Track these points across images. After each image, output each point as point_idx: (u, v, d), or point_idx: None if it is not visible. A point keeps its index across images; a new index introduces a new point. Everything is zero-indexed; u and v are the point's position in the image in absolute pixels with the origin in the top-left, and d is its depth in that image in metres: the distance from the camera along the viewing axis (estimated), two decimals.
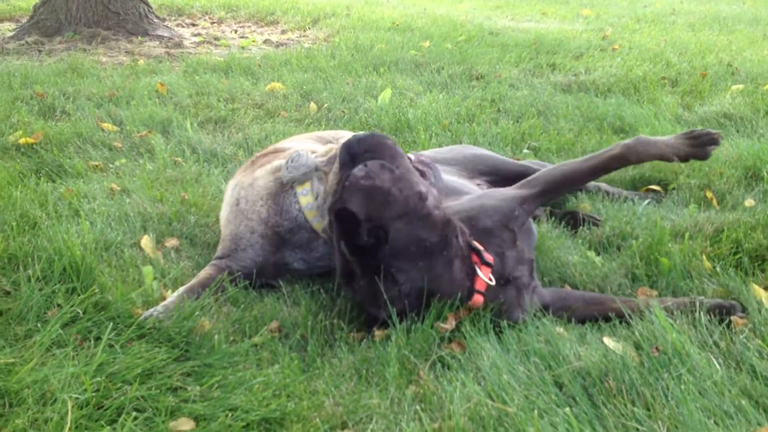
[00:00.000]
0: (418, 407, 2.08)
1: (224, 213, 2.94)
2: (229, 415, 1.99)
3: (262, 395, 2.07)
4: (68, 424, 1.90)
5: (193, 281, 2.69)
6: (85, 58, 6.37)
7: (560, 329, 2.46)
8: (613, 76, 5.94)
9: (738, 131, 4.65)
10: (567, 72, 6.24)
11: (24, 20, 8.24)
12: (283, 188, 2.77)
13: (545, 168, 3.03)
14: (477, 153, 3.58)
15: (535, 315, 2.52)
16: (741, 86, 5.59)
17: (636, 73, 6.02)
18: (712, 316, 2.47)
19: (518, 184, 2.86)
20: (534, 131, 4.46)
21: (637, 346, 2.34)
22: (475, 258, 2.49)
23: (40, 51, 6.87)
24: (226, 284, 2.68)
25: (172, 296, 2.58)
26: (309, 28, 8.68)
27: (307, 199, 2.73)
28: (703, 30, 8.58)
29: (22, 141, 3.99)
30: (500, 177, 3.44)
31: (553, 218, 3.38)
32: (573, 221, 3.36)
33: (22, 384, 2.06)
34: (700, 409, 2.02)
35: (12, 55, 6.63)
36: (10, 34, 7.77)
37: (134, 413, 1.99)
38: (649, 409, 2.05)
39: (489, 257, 2.50)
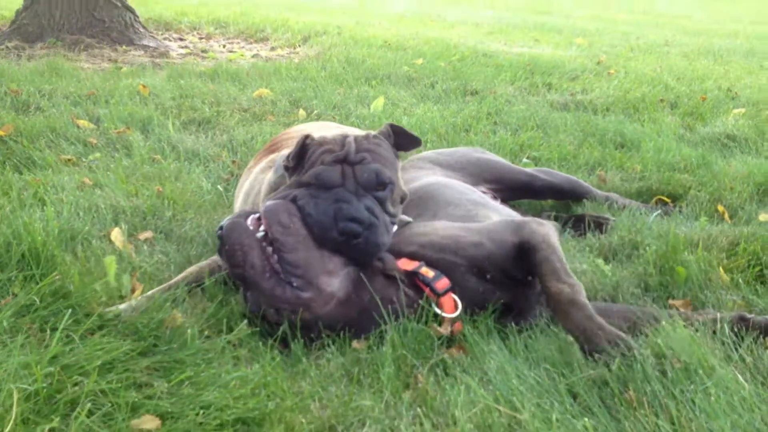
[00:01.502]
0: (418, 410, 1.82)
1: (237, 202, 2.78)
2: (201, 413, 1.72)
3: (239, 392, 1.80)
4: (13, 417, 1.62)
5: (177, 277, 2.45)
6: (65, 62, 6.12)
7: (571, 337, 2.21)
8: (610, 97, 5.78)
9: (742, 152, 4.49)
10: (563, 92, 6.07)
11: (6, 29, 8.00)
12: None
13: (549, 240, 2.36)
14: (483, 158, 3.33)
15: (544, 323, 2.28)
16: (743, 110, 5.45)
17: (634, 95, 5.87)
18: (737, 330, 2.25)
19: (521, 222, 2.42)
20: (533, 142, 4.26)
21: (658, 357, 2.11)
22: (428, 291, 2.25)
23: (19, 56, 6.63)
24: (207, 281, 2.42)
25: (146, 294, 2.32)
26: (299, 45, 8.50)
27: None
28: (699, 59, 8.49)
29: None
30: (505, 186, 3.21)
31: (557, 221, 3.16)
32: (580, 226, 3.15)
33: None
34: (731, 425, 1.78)
35: None
36: None
37: (91, 408, 1.72)
38: (674, 423, 1.82)
39: (441, 284, 2.25)
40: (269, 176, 2.59)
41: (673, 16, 15.16)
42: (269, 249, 2.15)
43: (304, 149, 2.36)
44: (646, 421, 1.82)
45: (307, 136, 2.38)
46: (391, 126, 2.50)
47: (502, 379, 1.96)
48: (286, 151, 2.57)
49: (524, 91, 6.01)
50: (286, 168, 2.40)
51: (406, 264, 2.30)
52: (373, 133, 2.47)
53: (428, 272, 2.26)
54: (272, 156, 2.80)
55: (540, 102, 5.57)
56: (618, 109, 5.43)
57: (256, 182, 2.72)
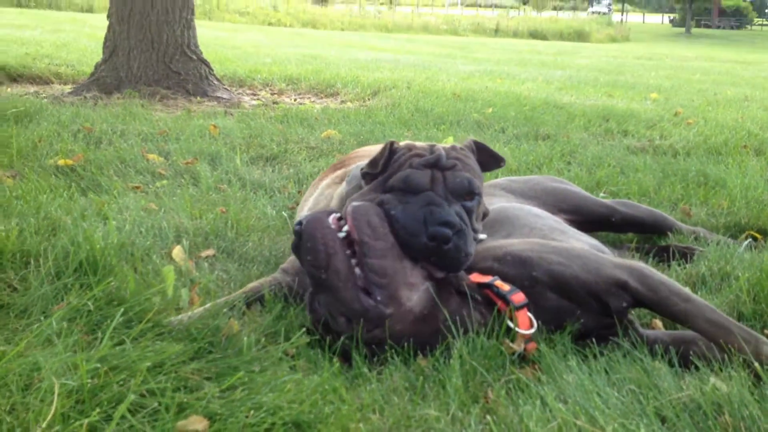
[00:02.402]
0: (489, 419, 1.64)
1: (300, 215, 2.63)
2: (252, 414, 1.58)
3: (294, 396, 1.66)
4: (52, 412, 1.52)
5: (237, 292, 2.35)
6: (141, 109, 6.24)
7: (657, 362, 2.01)
8: (691, 142, 5.55)
9: None
10: (640, 137, 5.86)
11: None
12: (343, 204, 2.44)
13: (669, 284, 2.13)
14: (559, 188, 3.13)
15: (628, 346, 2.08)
16: None
17: (716, 141, 5.62)
18: None
19: (628, 263, 2.21)
20: (610, 179, 4.07)
21: (756, 380, 1.89)
22: (501, 304, 2.08)
23: (96, 104, 6.80)
24: (267, 294, 2.31)
25: (204, 306, 2.22)
26: (369, 99, 8.52)
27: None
28: None
29: (61, 162, 3.76)
30: (583, 218, 3.01)
31: (639, 254, 2.96)
32: (663, 256, 2.93)
33: (7, 370, 1.70)
34: None
35: (70, 105, 6.55)
36: (69, 90, 7.77)
37: (136, 407, 1.61)
38: None
39: (517, 298, 2.07)
40: (341, 188, 2.46)
41: (751, 77, 14.77)
42: (349, 252, 1.99)
43: (391, 153, 2.24)
44: None
45: (393, 142, 2.27)
46: (475, 142, 2.37)
47: (582, 396, 1.77)
48: (361, 163, 2.46)
49: (599, 136, 5.82)
50: (366, 175, 2.26)
51: (478, 278, 2.14)
52: (459, 145, 2.34)
53: (503, 285, 2.10)
54: (339, 172, 2.70)
55: (616, 146, 5.38)
56: (699, 152, 5.19)
57: (322, 197, 2.61)
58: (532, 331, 2.04)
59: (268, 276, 2.47)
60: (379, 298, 1.93)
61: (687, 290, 2.13)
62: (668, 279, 2.14)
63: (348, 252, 1.98)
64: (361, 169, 2.29)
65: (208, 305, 2.22)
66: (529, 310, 2.08)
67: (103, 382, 1.67)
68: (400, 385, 1.83)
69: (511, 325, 2.01)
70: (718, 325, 2.02)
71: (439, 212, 2.03)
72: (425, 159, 2.17)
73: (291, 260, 2.49)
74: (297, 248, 2.02)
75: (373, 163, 2.24)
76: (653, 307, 2.12)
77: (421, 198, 2.08)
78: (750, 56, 26.04)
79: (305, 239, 1.97)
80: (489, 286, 2.09)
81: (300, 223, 2.00)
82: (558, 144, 5.21)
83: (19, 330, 2.03)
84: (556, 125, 6.10)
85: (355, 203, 2.05)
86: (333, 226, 2.00)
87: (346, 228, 2.00)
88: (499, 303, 2.06)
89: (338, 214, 2.06)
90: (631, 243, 3.13)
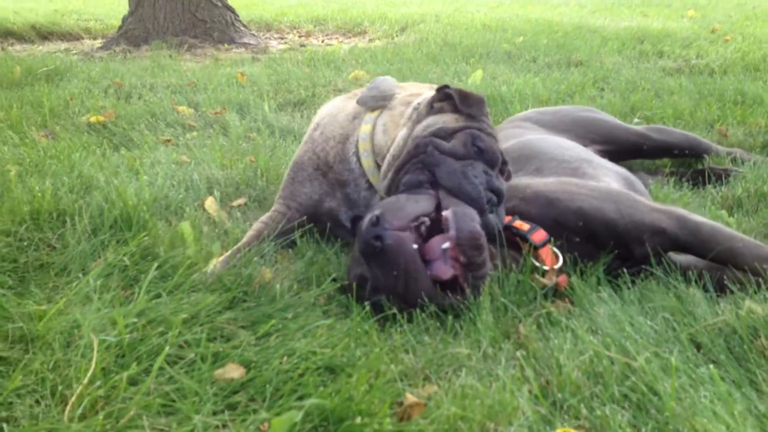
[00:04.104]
0: (519, 355, 1.65)
1: (309, 129, 2.62)
2: (285, 360, 1.62)
3: (326, 340, 1.69)
4: (93, 367, 1.57)
5: (249, 234, 2.37)
6: (169, 61, 6.25)
7: (693, 288, 1.98)
8: (728, 60, 5.38)
9: None
10: (676, 58, 5.70)
11: None
12: (353, 124, 2.42)
13: (707, 223, 2.08)
14: (590, 117, 3.07)
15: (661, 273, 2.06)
16: None
17: (754, 57, 5.44)
18: None
19: (665, 208, 2.15)
20: (645, 103, 3.98)
21: None
22: (524, 245, 2.06)
23: (126, 58, 6.83)
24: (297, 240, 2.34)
25: (227, 253, 2.25)
26: (397, 35, 8.40)
27: (367, 128, 2.35)
28: None
29: (93, 120, 3.80)
30: (616, 147, 2.94)
31: (673, 177, 2.91)
32: (698, 179, 2.88)
33: (48, 328, 1.76)
34: None
35: (99, 61, 6.59)
36: (99, 44, 7.81)
37: (174, 358, 1.66)
38: None
39: (538, 237, 2.05)
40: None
41: None
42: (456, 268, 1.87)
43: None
44: None
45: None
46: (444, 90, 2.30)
47: (614, 327, 1.77)
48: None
49: (633, 59, 5.68)
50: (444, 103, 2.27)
51: None
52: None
53: (522, 225, 2.08)
54: (346, 102, 2.64)
55: (651, 68, 5.24)
56: (737, 70, 5.03)
57: (335, 108, 2.58)
58: (559, 264, 2.03)
59: (269, 212, 2.49)
60: (468, 292, 1.89)
61: (729, 229, 2.07)
62: (707, 220, 2.09)
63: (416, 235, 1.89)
64: (447, 87, 2.26)
65: (225, 255, 2.24)
66: (555, 246, 2.07)
67: (141, 336, 1.71)
68: (431, 324, 1.84)
69: (536, 263, 2.00)
70: (767, 261, 1.97)
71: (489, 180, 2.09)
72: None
73: (289, 189, 2.50)
74: (370, 257, 1.88)
75: (473, 108, 2.23)
76: (695, 251, 2.07)
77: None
78: None
79: (388, 261, 1.84)
80: (508, 227, 2.07)
81: (380, 237, 1.83)
82: (591, 70, 5.09)
83: (59, 288, 2.08)
84: (589, 51, 5.96)
85: (455, 211, 1.92)
86: (413, 239, 1.86)
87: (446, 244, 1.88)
88: (522, 243, 2.05)
89: (420, 212, 1.93)
90: (666, 168, 3.07)
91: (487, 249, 1.90)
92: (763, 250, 1.99)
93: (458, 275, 1.85)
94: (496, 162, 2.16)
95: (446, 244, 1.85)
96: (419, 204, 1.95)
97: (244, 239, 2.35)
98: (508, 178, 2.29)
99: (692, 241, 2.06)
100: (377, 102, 2.38)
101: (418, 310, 1.86)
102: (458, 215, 1.89)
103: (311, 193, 2.44)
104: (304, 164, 2.48)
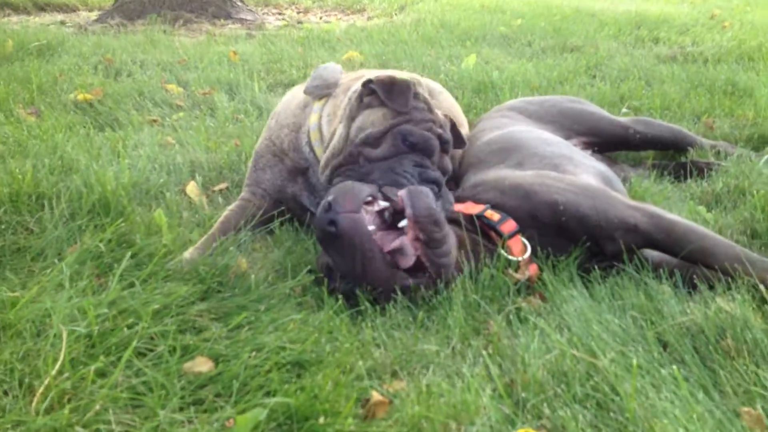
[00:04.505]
0: (485, 354, 1.66)
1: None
2: (254, 355, 1.62)
3: (296, 335, 1.70)
4: (61, 358, 1.58)
5: (220, 221, 2.39)
6: (163, 36, 6.21)
7: (664, 286, 1.99)
8: (723, 48, 5.35)
9: None
10: (672, 44, 5.68)
11: None
12: (305, 113, 2.46)
13: (680, 222, 2.07)
14: (576, 108, 3.05)
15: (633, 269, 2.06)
16: None
17: (750, 45, 5.41)
18: None
19: (639, 205, 2.14)
20: (635, 93, 3.96)
21: (761, 303, 1.87)
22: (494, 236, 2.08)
23: (119, 32, 6.78)
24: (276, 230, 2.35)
25: (201, 240, 2.26)
26: (396, 14, 8.35)
27: (314, 117, 2.39)
28: None
29: (80, 98, 3.79)
30: (601, 139, 2.94)
31: (655, 170, 2.90)
32: (680, 172, 2.88)
33: (19, 317, 1.76)
34: None
35: (92, 35, 6.54)
36: (94, 17, 7.75)
37: (143, 350, 1.66)
38: None
39: (507, 227, 2.06)
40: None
41: None
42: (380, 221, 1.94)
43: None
44: (745, 370, 1.61)
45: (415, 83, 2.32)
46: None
47: (582, 325, 1.79)
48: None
49: (629, 45, 5.66)
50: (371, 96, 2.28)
51: (470, 208, 2.13)
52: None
53: (493, 215, 2.09)
54: (297, 88, 2.68)
55: (645, 55, 5.22)
56: (731, 59, 5.01)
57: (290, 96, 2.65)
58: (526, 256, 2.04)
59: (237, 200, 2.51)
60: (431, 272, 1.91)
61: (703, 228, 2.07)
62: (682, 219, 2.09)
63: (379, 221, 1.94)
64: (371, 83, 2.27)
65: (202, 240, 2.24)
66: (524, 236, 2.08)
67: (112, 326, 1.72)
68: (403, 319, 1.85)
69: (504, 253, 2.01)
70: (738, 261, 1.96)
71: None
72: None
73: (252, 177, 2.53)
74: (328, 243, 1.91)
75: (396, 100, 2.24)
76: (667, 249, 2.06)
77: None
78: None
79: (344, 244, 1.87)
80: (480, 217, 2.08)
81: (334, 222, 1.86)
82: (584, 56, 5.07)
83: (35, 273, 2.09)
84: (585, 35, 5.93)
85: (409, 190, 1.95)
86: (368, 220, 1.90)
87: (382, 203, 1.96)
88: (491, 233, 2.06)
89: (370, 192, 1.96)
90: (648, 160, 3.07)
91: (446, 225, 1.93)
92: (734, 249, 1.99)
93: (419, 255, 1.88)
94: (432, 150, 2.21)
95: (403, 222, 1.89)
96: (370, 186, 1.99)
97: (214, 227, 2.35)
98: (452, 151, 2.36)
99: (665, 239, 2.06)
100: (321, 91, 2.41)
101: (389, 306, 1.87)
102: (412, 193, 1.92)
103: (273, 179, 2.49)
104: (262, 152, 2.53)
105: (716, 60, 5.00)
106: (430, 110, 2.30)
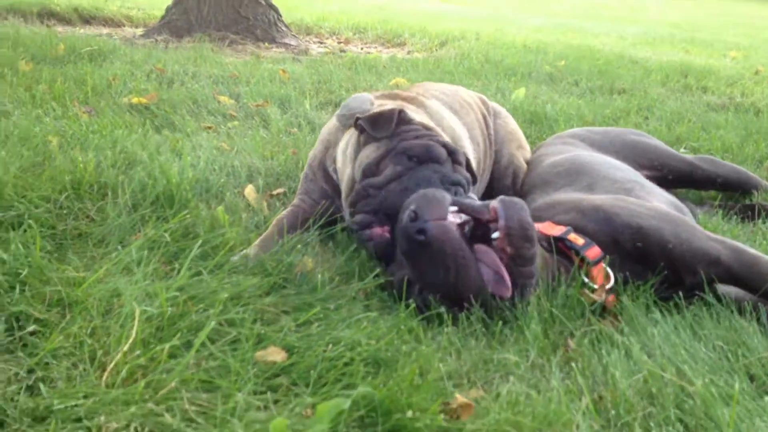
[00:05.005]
0: (575, 366, 1.60)
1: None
2: (329, 348, 1.56)
3: (371, 333, 1.64)
4: (133, 336, 1.52)
5: (273, 224, 2.34)
6: (210, 53, 6.24)
7: (743, 321, 1.92)
8: None
9: None
10: (720, 94, 5.63)
11: None
12: (337, 136, 2.48)
13: (763, 258, 2.00)
14: (639, 140, 2.98)
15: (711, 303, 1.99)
16: None
17: None
18: None
19: (721, 238, 2.06)
20: (691, 135, 3.91)
21: None
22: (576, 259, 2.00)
23: (167, 47, 6.84)
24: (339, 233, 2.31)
25: (258, 239, 2.21)
26: (437, 49, 8.37)
27: (342, 144, 2.40)
28: None
29: (135, 101, 3.78)
30: (665, 173, 2.86)
31: (722, 210, 2.83)
32: (747, 213, 2.81)
33: (87, 294, 1.72)
34: None
35: (141, 47, 6.60)
36: (141, 33, 7.83)
37: (215, 336, 1.61)
38: None
39: (592, 253, 1.98)
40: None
41: None
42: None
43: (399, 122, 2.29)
44: None
45: (401, 110, 2.31)
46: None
47: (669, 349, 1.71)
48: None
49: (677, 92, 5.61)
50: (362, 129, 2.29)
51: (549, 228, 2.07)
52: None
53: (577, 239, 2.01)
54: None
55: (695, 102, 5.17)
56: None
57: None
58: (610, 285, 1.97)
59: (289, 206, 2.47)
60: (518, 299, 1.82)
61: None
62: (764, 255, 2.01)
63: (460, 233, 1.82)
64: (359, 119, 2.27)
65: (259, 241, 2.20)
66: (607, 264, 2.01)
67: (182, 311, 1.67)
68: (477, 329, 1.79)
69: (586, 279, 1.94)
70: None
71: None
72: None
73: (303, 186, 2.52)
74: (415, 254, 1.80)
75: (380, 129, 2.22)
76: (748, 284, 1.97)
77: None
78: None
79: (434, 253, 1.76)
80: (562, 239, 2.01)
81: (423, 231, 1.75)
82: (635, 98, 5.03)
83: (98, 258, 2.05)
84: (632, 80, 5.89)
85: (503, 200, 1.81)
86: (457, 227, 1.79)
87: (464, 216, 1.84)
88: (573, 257, 1.99)
89: (454, 203, 1.86)
90: (714, 200, 3.00)
91: (537, 243, 1.83)
92: None
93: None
94: (438, 156, 2.17)
95: (496, 234, 1.77)
96: (446, 193, 1.89)
97: (269, 229, 2.31)
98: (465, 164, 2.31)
99: (747, 274, 1.98)
100: (348, 120, 2.39)
101: (463, 314, 1.81)
102: (506, 204, 1.79)
103: (321, 190, 2.47)
104: (310, 162, 2.54)
105: None
106: (428, 128, 2.27)
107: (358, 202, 2.19)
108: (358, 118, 2.27)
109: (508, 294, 1.76)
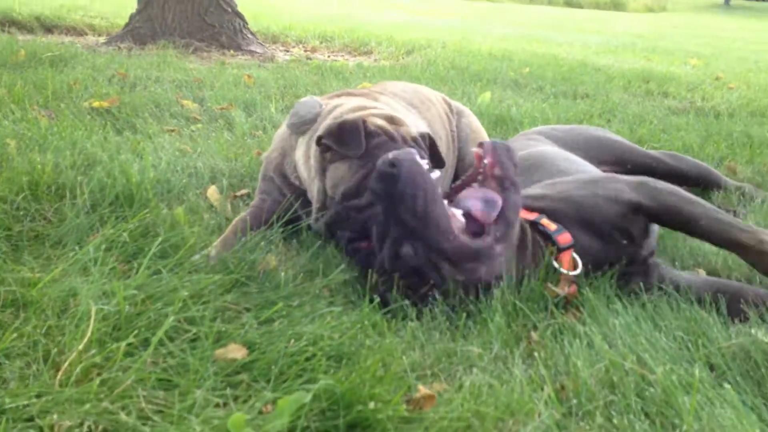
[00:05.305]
0: (537, 356, 1.59)
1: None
2: (291, 343, 1.54)
3: (334, 328, 1.62)
4: (89, 334, 1.49)
5: (227, 230, 2.30)
6: (174, 59, 6.19)
7: (703, 312, 1.93)
8: (733, 104, 5.38)
9: None
10: (682, 99, 5.71)
11: None
12: (290, 142, 2.47)
13: (680, 193, 2.12)
14: (602, 137, 3.03)
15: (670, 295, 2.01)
16: None
17: (760, 104, 5.45)
18: None
19: (639, 182, 2.14)
20: (653, 136, 3.95)
21: None
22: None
23: (131, 55, 6.77)
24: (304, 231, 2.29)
25: (219, 240, 2.18)
26: (403, 57, 8.39)
27: (298, 153, 2.38)
28: None
29: (96, 104, 3.73)
30: (627, 169, 2.89)
31: None
32: None
33: (42, 294, 1.68)
34: None
35: (103, 54, 6.52)
36: (103, 41, 7.74)
37: (173, 334, 1.58)
38: None
39: (563, 239, 2.00)
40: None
41: None
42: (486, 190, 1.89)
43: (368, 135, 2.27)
44: None
45: (365, 120, 2.28)
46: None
47: (630, 339, 1.71)
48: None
49: (639, 96, 5.68)
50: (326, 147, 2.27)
51: (524, 214, 2.07)
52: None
53: (550, 224, 2.03)
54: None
55: (657, 106, 5.24)
56: (743, 114, 5.03)
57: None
58: (577, 272, 1.98)
59: (249, 207, 2.45)
60: (497, 235, 1.85)
61: (689, 194, 2.10)
62: (671, 186, 2.12)
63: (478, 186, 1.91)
64: (322, 138, 2.23)
65: (220, 240, 2.17)
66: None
67: (140, 309, 1.64)
68: (441, 323, 1.78)
69: (557, 265, 1.95)
70: (720, 221, 2.00)
71: None
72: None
73: (262, 186, 2.50)
74: (386, 190, 1.83)
75: (350, 146, 2.19)
76: (663, 221, 2.12)
77: None
78: None
79: (403, 184, 1.80)
80: (535, 223, 2.02)
81: (392, 163, 1.81)
82: (597, 102, 5.08)
83: (54, 259, 2.01)
84: (595, 85, 5.96)
85: (491, 142, 1.94)
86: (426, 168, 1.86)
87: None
88: (545, 243, 2.00)
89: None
90: None
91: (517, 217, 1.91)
92: (716, 213, 2.04)
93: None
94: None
95: (486, 160, 1.88)
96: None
97: (227, 230, 2.27)
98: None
99: (660, 211, 2.08)
100: (299, 128, 2.37)
101: (427, 309, 1.80)
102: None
103: (281, 192, 2.44)
104: (266, 165, 2.52)
105: (729, 114, 5.02)
106: (393, 138, 2.24)
107: (339, 222, 2.18)
108: (320, 138, 2.22)
109: (495, 214, 1.84)
